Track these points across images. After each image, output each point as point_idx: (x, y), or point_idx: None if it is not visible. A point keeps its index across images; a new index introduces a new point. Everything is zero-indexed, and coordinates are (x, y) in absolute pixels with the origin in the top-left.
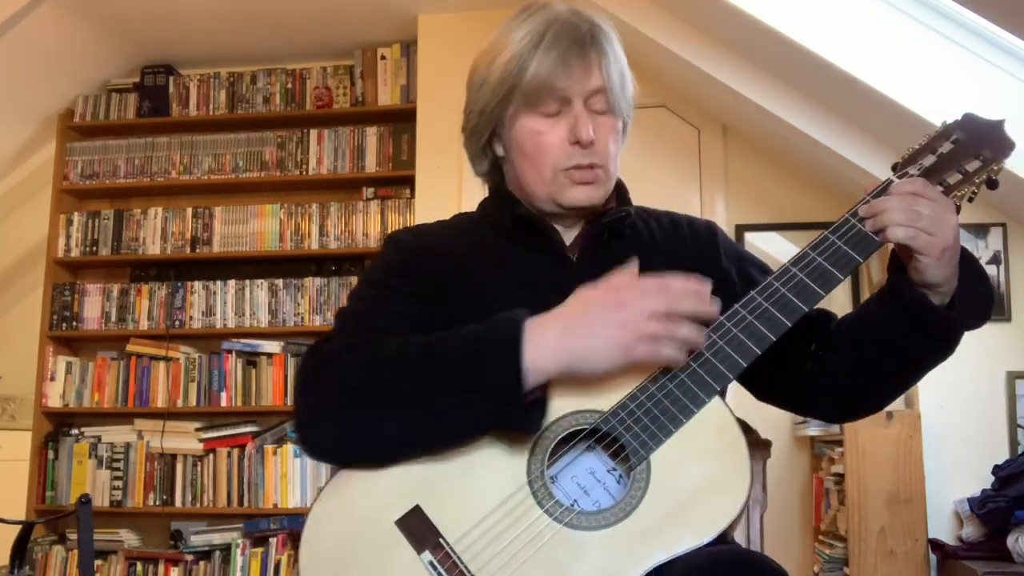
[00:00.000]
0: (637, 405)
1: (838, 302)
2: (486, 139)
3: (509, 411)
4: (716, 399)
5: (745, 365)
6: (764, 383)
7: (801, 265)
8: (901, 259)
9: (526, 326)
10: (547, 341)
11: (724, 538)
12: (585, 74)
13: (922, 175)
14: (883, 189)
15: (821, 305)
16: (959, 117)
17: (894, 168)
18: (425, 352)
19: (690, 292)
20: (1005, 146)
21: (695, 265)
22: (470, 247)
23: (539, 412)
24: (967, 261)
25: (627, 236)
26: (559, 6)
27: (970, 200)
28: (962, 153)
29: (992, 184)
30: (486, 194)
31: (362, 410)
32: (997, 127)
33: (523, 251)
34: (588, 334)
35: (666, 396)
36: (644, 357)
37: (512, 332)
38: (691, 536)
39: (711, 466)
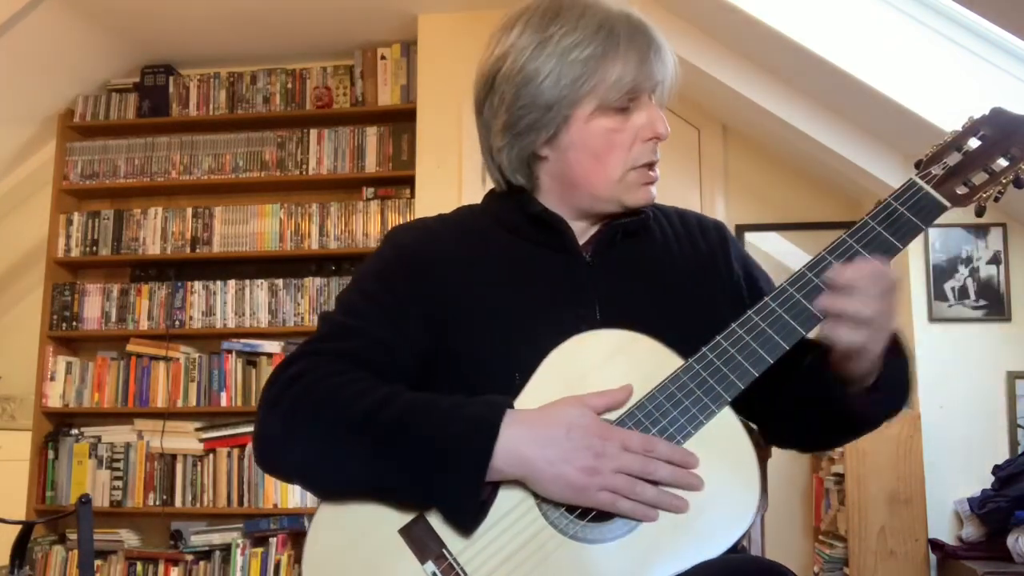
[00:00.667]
0: (645, 415)
1: None
2: (547, 137)
3: (456, 515)
4: (727, 410)
5: (757, 374)
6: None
7: (798, 286)
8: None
9: (502, 428)
10: (515, 445)
11: (734, 546)
12: (657, 72)
13: (946, 174)
14: (904, 191)
15: None
16: (987, 112)
17: (917, 166)
18: (395, 427)
19: (675, 458)
20: None
21: (707, 268)
22: (478, 245)
23: (481, 515)
24: (895, 344)
25: (640, 235)
26: (605, 1)
27: (996, 200)
28: (989, 151)
29: (1020, 183)
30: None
31: (319, 460)
32: None
33: (535, 250)
34: (552, 461)
35: (675, 406)
36: (599, 506)
37: (484, 443)
38: (698, 551)
39: (719, 480)
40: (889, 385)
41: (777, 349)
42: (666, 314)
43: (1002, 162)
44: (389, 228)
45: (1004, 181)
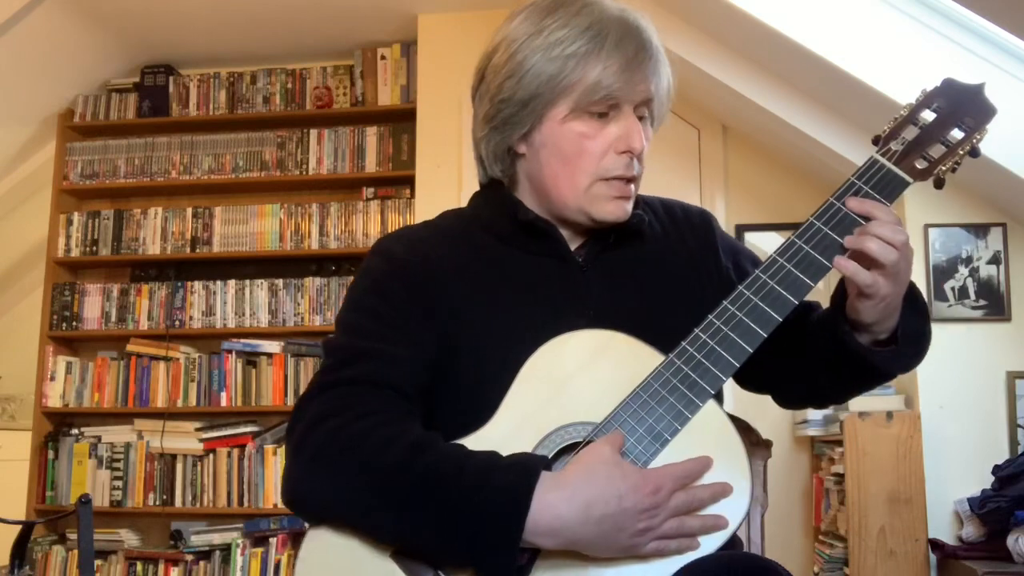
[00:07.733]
0: (631, 415)
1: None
2: (522, 133)
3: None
4: (711, 402)
5: (738, 365)
6: (745, 373)
7: (788, 255)
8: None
9: (535, 498)
10: (558, 526)
11: (728, 540)
12: (642, 82)
13: (905, 149)
14: (867, 169)
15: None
16: (938, 83)
17: (875, 142)
18: (426, 483)
19: (717, 492)
20: (987, 112)
21: (697, 265)
22: (470, 255)
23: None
24: (912, 298)
25: (631, 237)
26: (608, 2)
27: (953, 171)
28: (944, 122)
29: (975, 153)
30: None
31: (346, 514)
32: (978, 92)
33: (528, 257)
34: (606, 533)
35: (660, 403)
36: (646, 554)
37: (518, 509)
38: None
39: (711, 473)
40: (907, 338)
41: (756, 338)
42: (660, 315)
43: (957, 133)
44: (389, 228)
45: (961, 152)
